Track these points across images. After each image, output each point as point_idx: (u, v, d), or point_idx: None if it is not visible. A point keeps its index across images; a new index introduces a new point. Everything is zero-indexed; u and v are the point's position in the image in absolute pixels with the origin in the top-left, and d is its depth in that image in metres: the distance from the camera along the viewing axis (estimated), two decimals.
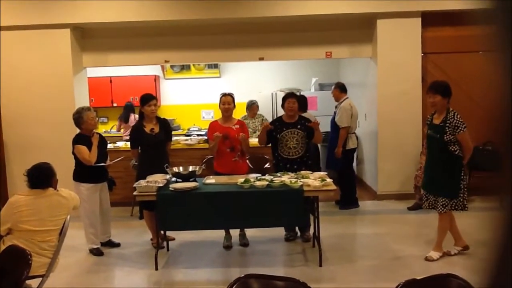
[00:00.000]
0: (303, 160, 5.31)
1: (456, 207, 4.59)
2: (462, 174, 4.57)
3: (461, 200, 4.58)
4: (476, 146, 6.89)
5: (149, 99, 5.25)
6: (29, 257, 2.87)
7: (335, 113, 6.76)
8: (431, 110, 4.92)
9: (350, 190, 6.81)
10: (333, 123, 6.74)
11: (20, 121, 7.16)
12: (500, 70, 0.78)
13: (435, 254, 4.70)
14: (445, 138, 4.53)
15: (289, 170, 5.15)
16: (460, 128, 4.50)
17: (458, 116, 4.55)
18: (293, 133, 5.27)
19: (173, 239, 5.53)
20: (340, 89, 6.76)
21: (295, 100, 5.35)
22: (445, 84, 4.74)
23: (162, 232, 5.34)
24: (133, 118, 9.44)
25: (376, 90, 7.09)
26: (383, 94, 6.98)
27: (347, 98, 6.73)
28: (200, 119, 10.01)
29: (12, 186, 7.24)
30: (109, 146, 6.40)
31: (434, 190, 4.68)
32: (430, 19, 6.96)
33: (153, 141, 5.23)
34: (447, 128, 4.53)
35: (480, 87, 6.77)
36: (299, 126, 5.29)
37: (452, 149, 4.55)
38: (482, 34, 0.85)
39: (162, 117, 5.55)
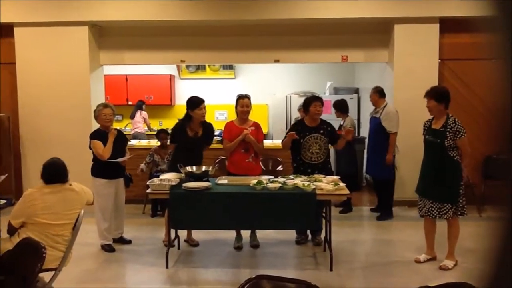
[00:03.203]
0: (324, 165, 5.27)
1: (457, 212, 4.59)
2: (461, 179, 4.60)
3: (461, 205, 4.59)
4: (491, 155, 6.84)
5: (199, 102, 5.19)
6: (43, 249, 2.90)
7: (374, 118, 6.49)
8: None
9: (389, 199, 6.60)
10: (375, 129, 6.47)
11: (37, 117, 7.24)
12: (501, 77, 0.77)
13: (449, 263, 4.66)
14: (446, 143, 4.53)
15: (310, 175, 5.08)
16: (461, 133, 4.52)
17: (459, 122, 4.57)
18: (316, 139, 5.22)
19: (197, 244, 5.46)
20: (380, 94, 6.47)
21: (321, 104, 5.27)
22: (442, 90, 4.77)
23: (187, 235, 5.40)
24: (139, 114, 9.52)
25: (392, 96, 7.04)
26: (399, 99, 6.93)
27: (387, 103, 6.49)
28: (214, 120, 10.04)
29: (26, 180, 7.33)
30: None
31: (434, 196, 4.65)
32: (448, 25, 6.91)
33: (193, 144, 5.22)
34: (447, 133, 4.54)
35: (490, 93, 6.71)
36: (321, 131, 5.24)
37: (452, 155, 4.56)
38: (485, 41, 0.85)
39: (208, 121, 5.45)
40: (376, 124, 6.43)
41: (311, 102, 5.30)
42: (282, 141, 5.49)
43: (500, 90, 0.77)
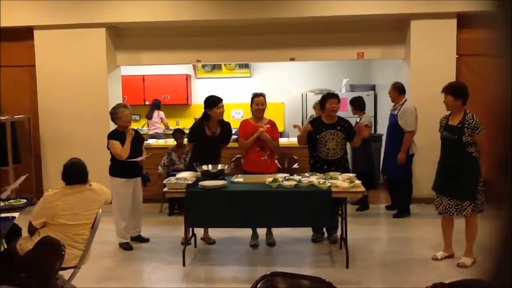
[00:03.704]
0: (341, 162, 5.25)
1: (475, 209, 4.53)
2: (480, 176, 4.52)
3: (480, 202, 4.53)
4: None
5: (217, 101, 5.23)
6: (62, 248, 2.96)
7: (392, 115, 6.39)
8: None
9: (406, 198, 6.52)
10: (392, 127, 6.36)
11: (56, 117, 7.38)
12: (502, 75, 0.78)
13: (467, 260, 4.61)
14: (464, 139, 4.48)
15: (327, 171, 5.08)
16: (479, 129, 4.46)
17: (476, 118, 4.51)
18: (332, 134, 5.21)
19: (214, 242, 5.49)
20: (399, 91, 6.34)
21: (337, 101, 5.26)
22: (460, 86, 4.72)
23: (204, 233, 5.47)
24: (157, 114, 9.57)
25: (409, 92, 6.98)
26: (416, 96, 6.85)
27: (406, 99, 6.38)
28: (230, 118, 10.07)
29: (46, 180, 7.48)
30: None
31: (452, 193, 4.60)
32: (465, 20, 6.81)
33: (210, 143, 5.26)
34: (465, 129, 4.49)
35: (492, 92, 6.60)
36: (338, 128, 5.24)
37: (470, 151, 4.51)
38: (486, 38, 0.85)
39: (225, 120, 5.50)
40: (393, 122, 6.35)
41: (326, 99, 5.31)
42: (298, 137, 5.50)
43: (500, 88, 0.77)
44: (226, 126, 5.43)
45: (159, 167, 6.63)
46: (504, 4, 0.76)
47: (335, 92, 7.39)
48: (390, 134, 6.44)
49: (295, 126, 5.83)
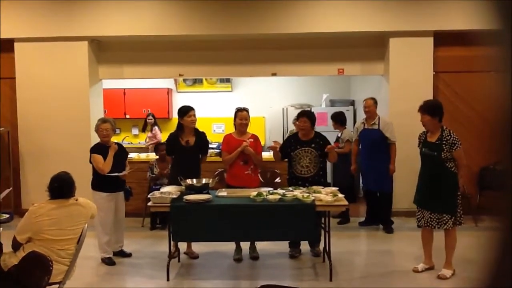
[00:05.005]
0: (315, 179, 5.27)
1: (455, 222, 4.67)
2: (458, 190, 4.69)
3: (459, 215, 4.68)
4: (487, 165, 6.94)
5: (188, 110, 5.37)
6: (50, 263, 2.94)
7: (371, 130, 6.42)
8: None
9: (390, 210, 6.61)
10: (374, 140, 6.39)
11: (36, 131, 7.29)
12: (503, 90, 0.81)
13: (447, 272, 4.72)
14: (443, 155, 4.62)
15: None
16: (456, 145, 4.61)
17: (454, 134, 4.67)
18: (306, 152, 5.28)
19: (197, 256, 5.49)
20: (376, 105, 6.50)
21: (306, 119, 5.30)
22: (435, 104, 4.85)
23: (187, 247, 5.49)
24: (157, 129, 9.52)
25: (387, 107, 7.15)
26: (394, 112, 7.03)
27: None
28: (211, 133, 10.10)
29: (25, 194, 7.34)
30: None
31: (433, 207, 4.71)
32: (442, 39, 7.05)
33: (186, 153, 5.33)
34: (443, 145, 4.62)
35: (490, 106, 6.82)
36: (313, 145, 5.29)
37: (449, 166, 4.65)
38: (487, 54, 0.89)
39: (201, 130, 5.61)
40: (377, 136, 6.38)
41: (298, 117, 5.46)
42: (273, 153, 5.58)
43: (501, 103, 0.81)
44: (200, 135, 5.51)
45: (149, 174, 6.69)
46: (506, 19, 0.80)
47: (312, 108, 7.49)
48: (373, 148, 6.43)
49: (273, 145, 5.56)
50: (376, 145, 6.42)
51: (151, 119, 9.52)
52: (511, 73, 0.79)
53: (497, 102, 0.84)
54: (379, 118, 6.46)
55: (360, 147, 6.66)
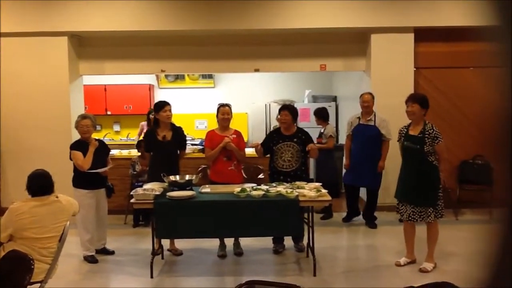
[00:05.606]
0: (296, 173, 5.30)
1: (437, 215, 4.72)
2: (440, 183, 4.75)
3: (440, 208, 4.74)
4: (466, 159, 7.06)
5: (163, 105, 5.39)
6: (31, 262, 2.89)
7: (367, 126, 6.33)
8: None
9: (375, 205, 6.64)
10: (370, 137, 6.30)
11: (16, 127, 7.17)
12: (502, 86, 0.82)
13: (429, 265, 4.78)
14: (425, 149, 4.67)
15: (283, 182, 5.15)
16: (438, 139, 4.67)
17: (436, 128, 4.72)
18: (288, 146, 5.30)
19: (181, 253, 5.46)
20: (373, 99, 6.40)
21: (287, 113, 5.34)
22: (424, 96, 4.90)
23: (170, 244, 5.46)
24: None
25: None
26: (376, 107, 7.07)
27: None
28: (193, 129, 10.05)
29: (4, 192, 7.22)
30: None
31: (415, 201, 4.77)
32: (422, 35, 7.13)
33: (163, 148, 5.33)
34: (426, 139, 4.67)
35: (471, 102, 6.93)
36: (295, 140, 5.32)
37: (431, 160, 4.70)
38: (485, 50, 0.89)
39: (177, 125, 5.59)
40: (373, 132, 6.30)
41: (279, 111, 5.50)
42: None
43: (501, 98, 0.81)
44: (177, 130, 5.51)
45: (130, 170, 6.60)
46: (505, 15, 0.81)
47: (295, 104, 7.50)
48: (367, 144, 6.32)
49: (254, 143, 5.59)
50: (370, 141, 6.31)
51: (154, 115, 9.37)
52: (511, 69, 0.79)
53: (495, 97, 0.84)
54: (374, 114, 6.40)
55: (352, 142, 6.53)
